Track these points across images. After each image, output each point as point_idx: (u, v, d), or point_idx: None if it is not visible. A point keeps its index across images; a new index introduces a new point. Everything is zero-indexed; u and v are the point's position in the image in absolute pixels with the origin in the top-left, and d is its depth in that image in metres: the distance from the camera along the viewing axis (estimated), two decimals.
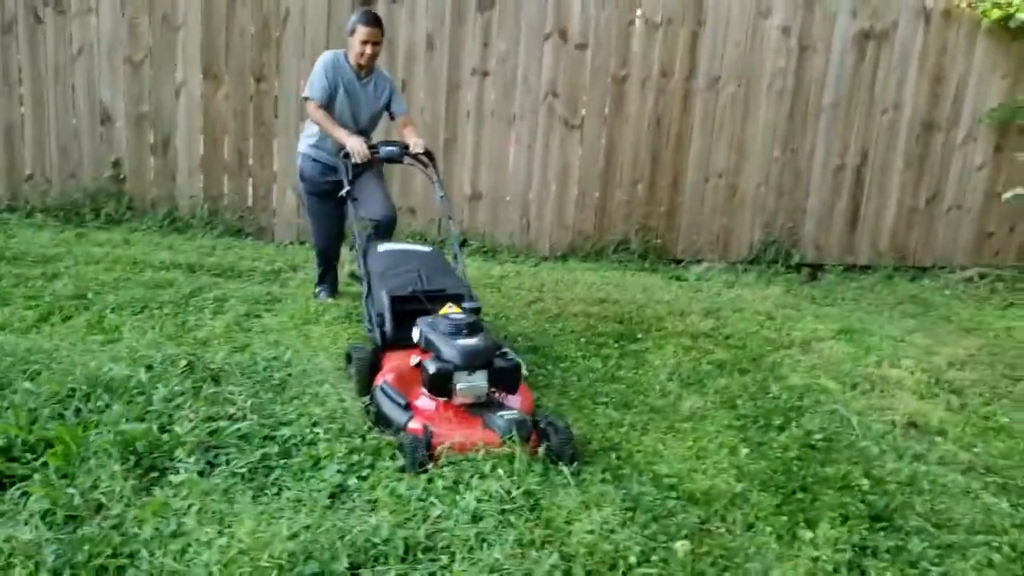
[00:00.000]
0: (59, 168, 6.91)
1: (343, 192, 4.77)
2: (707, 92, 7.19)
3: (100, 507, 2.97)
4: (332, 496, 3.14)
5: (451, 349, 3.59)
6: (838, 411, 4.34)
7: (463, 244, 4.53)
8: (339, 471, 3.29)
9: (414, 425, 3.46)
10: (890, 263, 7.64)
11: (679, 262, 7.48)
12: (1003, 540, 3.26)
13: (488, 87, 7.04)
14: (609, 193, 7.34)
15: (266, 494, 3.11)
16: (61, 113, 6.85)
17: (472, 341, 3.64)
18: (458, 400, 3.60)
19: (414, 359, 3.85)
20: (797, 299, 6.56)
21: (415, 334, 3.81)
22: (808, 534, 3.20)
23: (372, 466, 3.34)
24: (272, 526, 2.86)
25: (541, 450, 3.37)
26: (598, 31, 7.02)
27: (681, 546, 3.07)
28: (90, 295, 5.12)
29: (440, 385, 3.58)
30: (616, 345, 5.13)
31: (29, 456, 3.21)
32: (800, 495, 3.50)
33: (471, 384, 3.59)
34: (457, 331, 3.67)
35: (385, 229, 5.02)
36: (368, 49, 4.89)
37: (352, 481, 3.24)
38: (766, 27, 7.10)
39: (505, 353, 3.80)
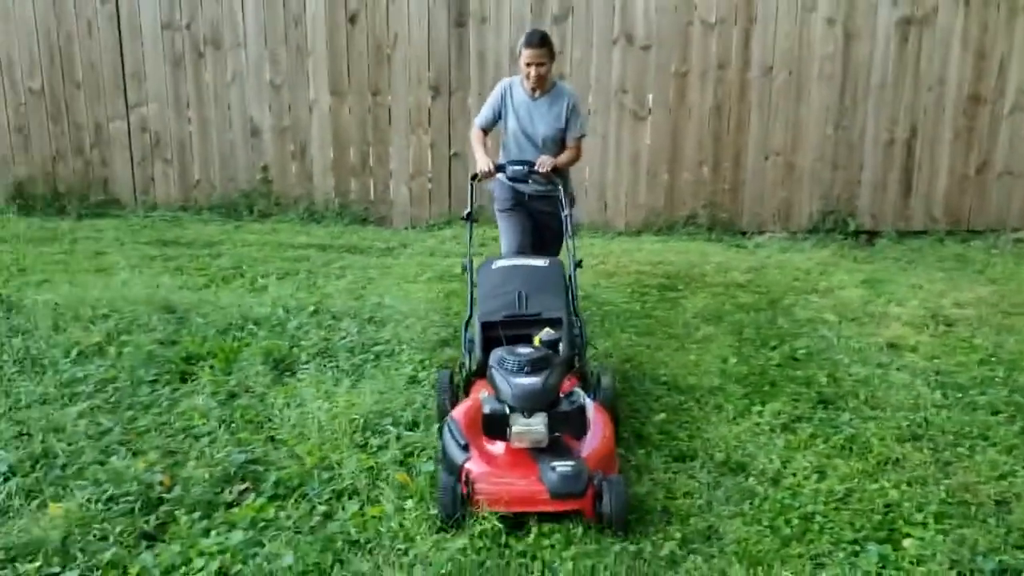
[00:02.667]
0: (220, 174, 8.53)
1: (464, 214, 4.81)
2: (761, 80, 8.07)
3: (248, 388, 4.34)
4: (407, 384, 4.40)
5: (507, 388, 3.32)
6: (827, 335, 5.25)
7: (579, 265, 4.49)
8: (413, 369, 4.56)
9: (469, 466, 3.28)
10: (944, 227, 8.26)
11: (744, 234, 8.36)
12: (919, 416, 4.17)
13: None
14: (677, 174, 8.32)
15: (361, 382, 4.39)
16: (221, 129, 8.47)
17: (530, 380, 3.31)
18: (515, 444, 3.33)
19: (482, 394, 3.54)
20: (841, 259, 7.35)
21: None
22: (758, 408, 4.22)
23: (434, 362, 4.60)
24: (362, 397, 4.14)
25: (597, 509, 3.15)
26: (660, 33, 8.04)
27: (658, 416, 4.16)
28: (244, 267, 6.61)
29: (494, 427, 3.33)
30: (657, 293, 6.17)
31: (202, 362, 4.62)
32: (767, 388, 4.50)
33: (527, 428, 3.29)
34: (519, 368, 3.35)
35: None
36: (533, 71, 4.76)
37: (422, 375, 4.50)
38: (813, 19, 7.91)
39: (571, 394, 3.46)
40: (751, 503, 3.40)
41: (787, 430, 4.02)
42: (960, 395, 4.41)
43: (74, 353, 4.66)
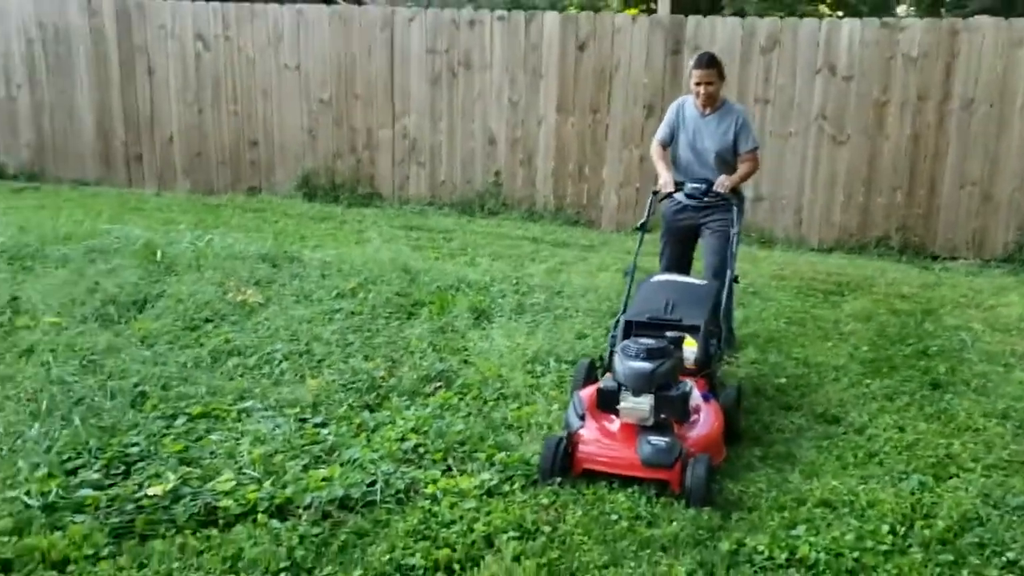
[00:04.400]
0: (461, 176, 10.04)
1: (638, 224, 5.27)
2: (962, 112, 8.39)
3: (453, 327, 5.59)
4: (575, 337, 5.46)
5: (621, 369, 3.77)
6: (965, 339, 5.72)
7: (735, 280, 4.97)
8: (582, 328, 5.62)
9: (581, 432, 3.79)
10: None
11: (936, 258, 8.66)
12: (1019, 404, 4.66)
13: (768, 112, 8.91)
14: (871, 197, 8.79)
15: (539, 331, 5.51)
16: (465, 139, 9.98)
17: (642, 365, 3.72)
18: (623, 419, 3.78)
19: (605, 377, 4.05)
20: (1022, 285, 7.55)
21: None
22: (869, 382, 4.89)
23: (601, 326, 5.63)
24: (536, 340, 5.26)
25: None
26: (862, 65, 8.59)
27: (780, 380, 4.95)
28: (468, 249, 7.98)
29: (606, 402, 3.81)
30: (821, 296, 6.82)
31: (424, 307, 5.94)
32: (885, 370, 5.14)
33: (633, 406, 3.71)
34: (635, 354, 3.78)
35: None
36: (702, 89, 5.15)
37: (588, 331, 5.55)
38: (1019, 55, 8.15)
39: (681, 383, 3.85)
40: (829, 441, 4.16)
41: (888, 399, 4.69)
42: None
43: (334, 293, 6.13)
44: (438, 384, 4.69)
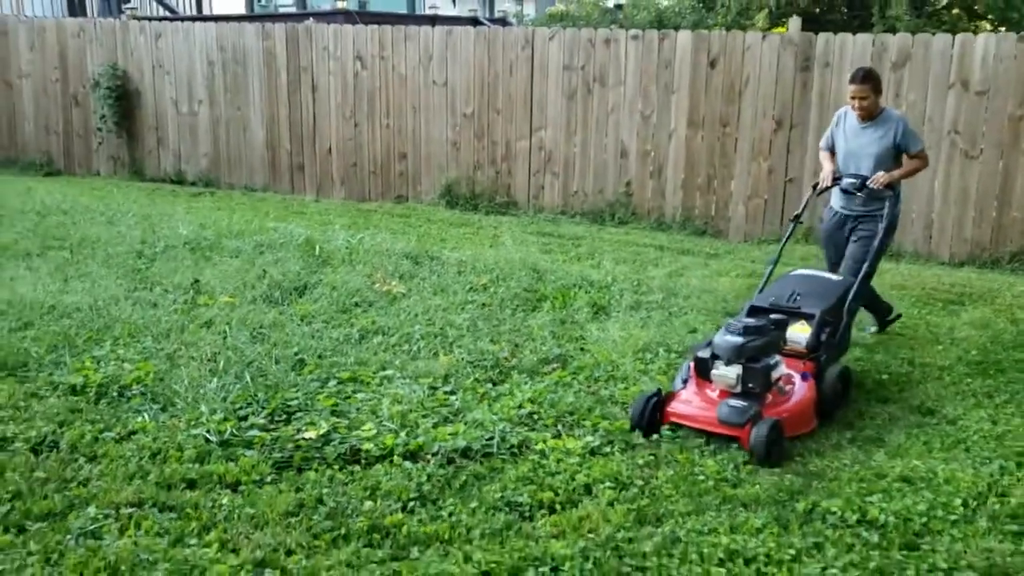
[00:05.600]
0: (592, 186, 10.54)
1: (793, 215, 5.67)
2: None
3: (573, 319, 6.08)
4: (687, 332, 5.85)
5: (717, 340, 4.27)
6: None
7: (867, 277, 5.28)
8: (695, 324, 6.00)
9: (679, 392, 4.41)
10: None
11: None
12: None
13: None
14: (1005, 212, 8.70)
15: (652, 325, 5.93)
16: (597, 151, 10.47)
17: (734, 339, 4.18)
18: (715, 385, 4.31)
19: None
20: None
21: None
22: (969, 381, 5.07)
23: (713, 322, 5.98)
24: (648, 332, 5.69)
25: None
26: (998, 80, 8.55)
27: (882, 376, 5.19)
28: (595, 254, 8.46)
29: (701, 369, 4.38)
30: (939, 305, 6.91)
31: (547, 302, 6.46)
32: (991, 372, 5.28)
33: (721, 373, 4.23)
34: (732, 330, 4.26)
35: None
36: (856, 103, 5.46)
37: (700, 326, 5.92)
38: None
39: (771, 358, 4.30)
40: (920, 429, 4.41)
41: (987, 396, 4.87)
42: None
43: (467, 287, 6.75)
44: (555, 365, 5.21)
